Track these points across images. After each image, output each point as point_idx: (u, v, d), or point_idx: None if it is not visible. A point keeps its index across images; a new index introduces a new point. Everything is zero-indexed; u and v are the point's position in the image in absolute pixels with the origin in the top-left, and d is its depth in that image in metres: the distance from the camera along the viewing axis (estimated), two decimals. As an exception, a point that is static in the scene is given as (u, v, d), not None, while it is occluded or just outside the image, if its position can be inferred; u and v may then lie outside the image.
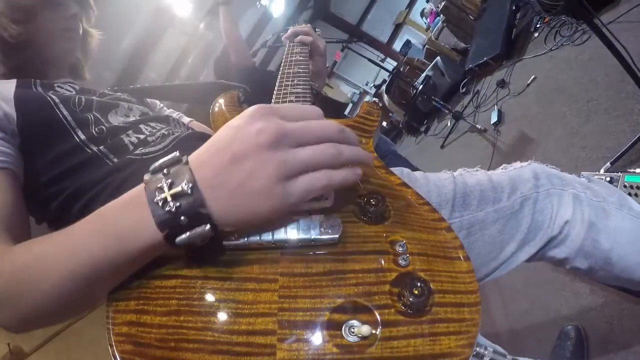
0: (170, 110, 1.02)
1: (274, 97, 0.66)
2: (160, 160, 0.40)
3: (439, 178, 0.71)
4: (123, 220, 0.39)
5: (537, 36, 2.88)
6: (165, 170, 0.39)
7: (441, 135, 3.73)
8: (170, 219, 0.37)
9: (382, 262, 0.40)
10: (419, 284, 0.37)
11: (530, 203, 0.69)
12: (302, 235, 0.40)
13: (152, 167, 0.40)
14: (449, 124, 3.63)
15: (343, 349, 0.34)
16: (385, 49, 8.26)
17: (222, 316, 0.37)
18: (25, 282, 0.41)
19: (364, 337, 0.35)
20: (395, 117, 5.13)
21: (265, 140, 0.37)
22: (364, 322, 0.35)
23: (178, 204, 0.36)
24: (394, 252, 0.40)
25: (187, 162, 0.39)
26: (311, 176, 0.39)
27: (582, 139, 1.80)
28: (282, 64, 0.80)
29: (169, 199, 0.37)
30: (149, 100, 0.97)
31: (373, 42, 7.95)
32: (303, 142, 0.39)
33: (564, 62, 2.35)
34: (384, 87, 5.26)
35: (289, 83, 0.69)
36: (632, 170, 1.28)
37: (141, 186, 0.39)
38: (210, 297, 0.38)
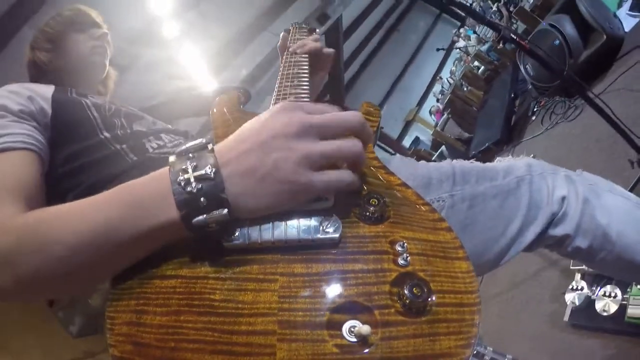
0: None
1: (273, 98, 0.66)
2: (187, 144, 0.41)
3: (437, 163, 0.76)
4: (144, 195, 0.40)
5: (534, 119, 3.04)
6: (190, 154, 0.40)
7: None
8: (190, 199, 0.37)
9: (382, 262, 0.39)
10: (418, 284, 0.37)
11: (526, 183, 0.73)
12: (302, 236, 0.40)
13: (178, 150, 0.41)
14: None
15: (343, 349, 0.34)
16: (395, 145, 8.61)
17: (222, 316, 0.36)
18: (34, 240, 0.41)
19: (363, 337, 0.34)
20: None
21: (292, 131, 0.39)
22: (363, 322, 0.35)
23: (200, 186, 0.37)
24: (394, 252, 0.40)
25: (212, 149, 0.40)
26: (337, 173, 0.41)
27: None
28: (282, 66, 0.80)
29: (192, 180, 0.38)
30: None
31: (383, 138, 8.33)
32: (328, 135, 0.41)
33: (559, 138, 2.46)
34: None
35: (289, 84, 0.69)
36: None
37: (166, 167, 0.40)
38: (210, 297, 0.38)
